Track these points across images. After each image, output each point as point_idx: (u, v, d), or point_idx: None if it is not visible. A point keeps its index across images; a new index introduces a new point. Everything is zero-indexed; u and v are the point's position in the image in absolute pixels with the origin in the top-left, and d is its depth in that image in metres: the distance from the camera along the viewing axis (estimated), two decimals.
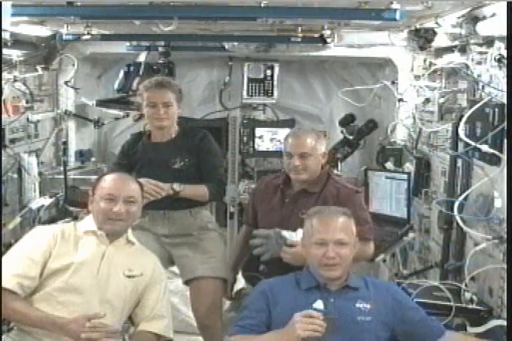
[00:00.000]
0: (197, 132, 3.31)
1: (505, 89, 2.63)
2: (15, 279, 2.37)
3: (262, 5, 2.65)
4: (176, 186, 3.06)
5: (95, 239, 2.56)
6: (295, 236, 2.71)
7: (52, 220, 3.78)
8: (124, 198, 2.56)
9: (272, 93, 4.98)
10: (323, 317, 2.21)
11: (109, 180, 2.61)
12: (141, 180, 2.82)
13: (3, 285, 2.34)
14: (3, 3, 2.26)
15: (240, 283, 3.41)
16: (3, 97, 3.72)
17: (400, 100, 4.27)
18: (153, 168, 3.21)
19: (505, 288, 2.53)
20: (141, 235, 3.23)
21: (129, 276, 2.55)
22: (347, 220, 2.45)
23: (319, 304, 2.28)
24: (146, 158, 3.27)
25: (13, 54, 3.88)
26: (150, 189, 2.90)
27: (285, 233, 2.74)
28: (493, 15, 2.78)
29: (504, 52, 2.69)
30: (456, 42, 3.36)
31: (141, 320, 2.57)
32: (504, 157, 2.65)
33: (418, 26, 3.71)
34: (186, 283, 3.28)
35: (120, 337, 2.37)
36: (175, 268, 4.03)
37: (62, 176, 4.31)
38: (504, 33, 2.55)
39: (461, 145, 3.18)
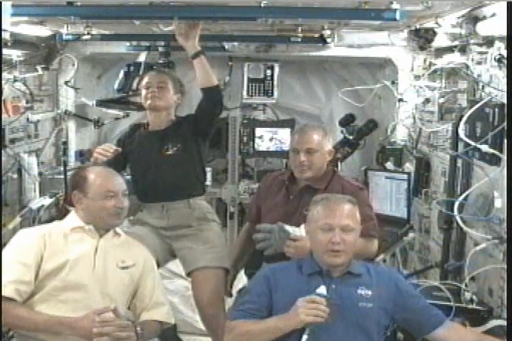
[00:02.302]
0: (187, 116, 3.35)
1: (505, 89, 2.63)
2: (10, 286, 2.33)
3: (262, 5, 2.65)
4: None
5: (85, 234, 2.56)
6: (298, 230, 2.71)
7: (52, 220, 3.77)
8: (122, 192, 2.60)
9: (272, 93, 4.98)
10: (326, 303, 2.21)
11: (102, 177, 2.61)
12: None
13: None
14: (3, 3, 2.26)
15: (240, 281, 3.41)
16: (3, 97, 3.72)
17: (400, 100, 4.27)
18: (147, 155, 3.26)
19: (505, 288, 2.52)
20: (141, 229, 3.26)
21: (123, 268, 2.55)
22: (352, 207, 2.46)
23: (322, 289, 2.27)
24: (141, 146, 3.30)
25: (13, 54, 3.88)
26: (99, 150, 3.03)
27: (288, 227, 2.74)
28: (493, 15, 2.78)
29: (504, 52, 2.69)
30: (456, 42, 3.36)
31: (142, 310, 2.58)
32: (504, 157, 2.65)
33: (418, 26, 3.71)
34: (189, 274, 3.26)
35: (133, 329, 2.35)
36: (175, 268, 4.04)
37: (62, 176, 4.32)
38: (504, 33, 2.54)
39: (461, 145, 3.18)
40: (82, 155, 4.89)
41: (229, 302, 3.30)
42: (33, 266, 2.41)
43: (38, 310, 2.37)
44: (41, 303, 2.38)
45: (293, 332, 2.25)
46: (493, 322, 2.64)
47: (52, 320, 2.31)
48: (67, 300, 2.39)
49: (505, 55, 2.66)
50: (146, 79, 3.29)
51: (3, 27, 2.32)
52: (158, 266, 3.24)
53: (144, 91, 3.27)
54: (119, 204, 2.56)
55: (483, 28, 2.91)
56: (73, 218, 2.61)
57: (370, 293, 2.38)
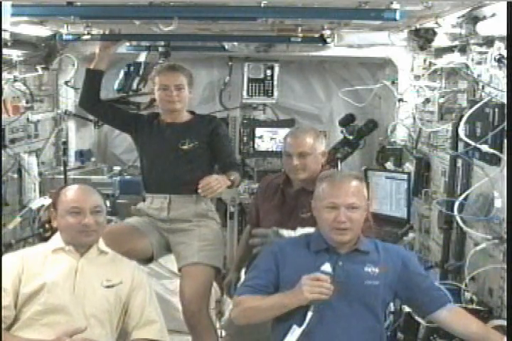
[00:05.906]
0: (211, 118, 3.40)
1: (505, 89, 2.63)
2: None
3: (262, 5, 2.65)
4: (232, 176, 3.10)
5: (64, 255, 2.49)
6: (294, 234, 2.71)
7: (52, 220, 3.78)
8: (91, 209, 2.48)
9: (272, 93, 4.99)
10: (330, 280, 2.21)
11: (70, 193, 2.52)
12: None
13: None
14: (3, 3, 2.26)
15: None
16: (3, 97, 3.72)
17: (400, 100, 4.27)
18: (161, 146, 3.26)
19: (505, 288, 2.52)
20: (139, 221, 3.26)
21: (108, 286, 2.47)
22: (359, 184, 2.41)
23: (327, 267, 2.26)
24: (155, 137, 3.29)
25: (13, 54, 3.89)
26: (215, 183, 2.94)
27: (283, 231, 2.74)
28: (493, 15, 2.78)
29: (504, 52, 2.69)
30: (456, 42, 3.36)
31: (133, 329, 2.51)
32: (504, 157, 2.65)
33: (418, 26, 3.71)
34: (180, 270, 3.23)
35: None
36: (175, 268, 4.03)
37: (62, 176, 4.32)
38: (504, 33, 2.54)
39: (461, 145, 3.18)
40: (82, 155, 4.90)
41: (230, 305, 3.31)
42: (11, 290, 2.35)
43: (23, 335, 2.32)
44: (24, 329, 2.33)
45: (298, 308, 2.25)
46: (493, 322, 2.63)
47: None
48: (50, 323, 2.34)
49: (505, 55, 2.66)
50: (161, 79, 3.21)
51: (3, 27, 2.32)
52: (153, 259, 3.28)
53: (159, 93, 3.21)
54: (83, 221, 2.44)
55: (483, 28, 2.91)
56: (56, 239, 2.55)
57: (376, 270, 2.36)
